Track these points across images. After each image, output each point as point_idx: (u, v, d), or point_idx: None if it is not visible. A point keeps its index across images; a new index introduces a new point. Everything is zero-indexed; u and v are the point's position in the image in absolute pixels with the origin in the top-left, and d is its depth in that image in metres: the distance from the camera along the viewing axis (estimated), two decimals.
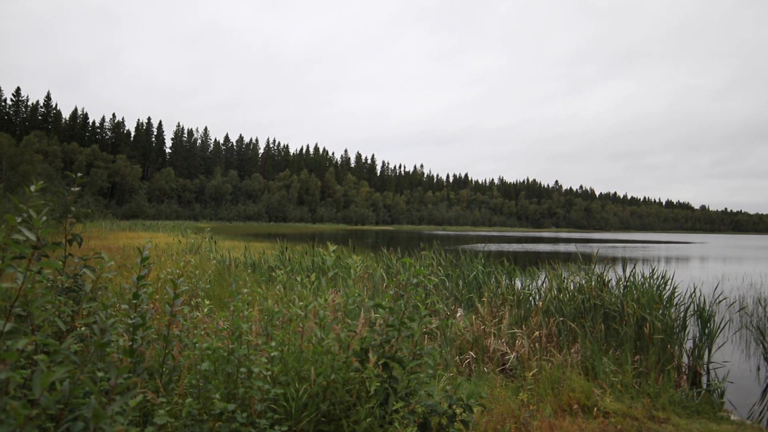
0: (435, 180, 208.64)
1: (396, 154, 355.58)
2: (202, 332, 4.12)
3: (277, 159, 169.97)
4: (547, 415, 5.61)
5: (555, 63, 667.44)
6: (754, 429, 5.73)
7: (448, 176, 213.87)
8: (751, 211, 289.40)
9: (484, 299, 9.24)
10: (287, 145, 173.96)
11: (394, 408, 3.35)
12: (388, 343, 3.70)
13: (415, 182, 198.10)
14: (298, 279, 4.21)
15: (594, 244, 61.40)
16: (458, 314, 9.60)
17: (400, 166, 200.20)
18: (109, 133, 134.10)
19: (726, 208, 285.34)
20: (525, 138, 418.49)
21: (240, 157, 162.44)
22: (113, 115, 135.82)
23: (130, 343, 3.14)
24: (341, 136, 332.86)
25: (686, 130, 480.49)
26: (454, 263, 13.22)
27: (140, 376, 3.22)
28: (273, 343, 3.49)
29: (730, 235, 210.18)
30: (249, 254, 17.55)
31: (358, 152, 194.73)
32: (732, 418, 6.24)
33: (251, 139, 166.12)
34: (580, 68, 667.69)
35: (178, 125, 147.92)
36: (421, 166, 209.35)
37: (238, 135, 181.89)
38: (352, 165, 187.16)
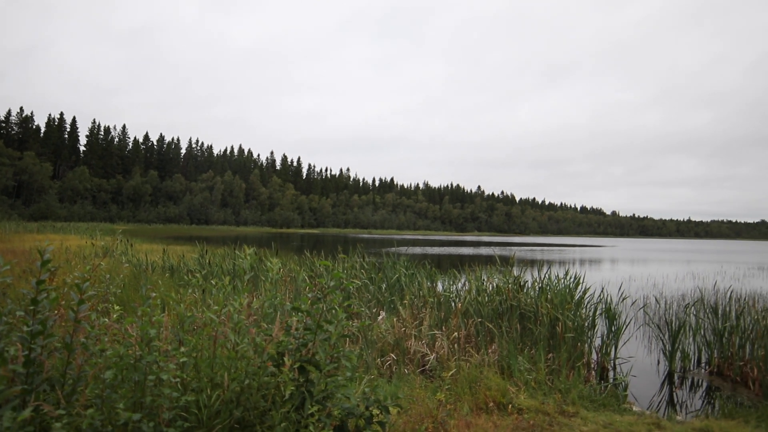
0: (361, 184, 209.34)
1: (329, 159, 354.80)
2: (110, 339, 3.92)
3: (200, 160, 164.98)
4: (465, 413, 5.74)
5: (489, 75, 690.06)
6: (652, 418, 6.10)
7: (374, 180, 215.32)
8: (656, 217, 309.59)
9: (405, 302, 9.34)
10: (211, 146, 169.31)
11: (309, 412, 3.32)
12: (305, 347, 3.67)
13: (341, 186, 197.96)
14: (213, 282, 4.09)
15: (513, 248, 63.54)
16: (380, 317, 9.65)
17: (326, 170, 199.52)
18: (15, 128, 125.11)
19: (634, 214, 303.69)
20: (456, 145, 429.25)
21: (161, 157, 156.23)
22: (20, 108, 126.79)
23: (26, 352, 2.94)
24: (275, 139, 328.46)
25: (605, 141, 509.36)
26: (378, 266, 13.29)
27: (39, 388, 3.03)
28: (183, 349, 3.37)
29: (637, 239, 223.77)
30: (168, 258, 16.91)
31: (284, 154, 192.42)
32: (634, 409, 6.62)
33: (173, 139, 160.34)
34: (512, 81, 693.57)
35: (94, 122, 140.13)
36: (348, 169, 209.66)
37: (159, 134, 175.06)
38: (278, 167, 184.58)
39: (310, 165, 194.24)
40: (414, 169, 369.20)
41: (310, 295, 3.80)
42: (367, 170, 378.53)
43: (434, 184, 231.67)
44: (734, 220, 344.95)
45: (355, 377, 6.25)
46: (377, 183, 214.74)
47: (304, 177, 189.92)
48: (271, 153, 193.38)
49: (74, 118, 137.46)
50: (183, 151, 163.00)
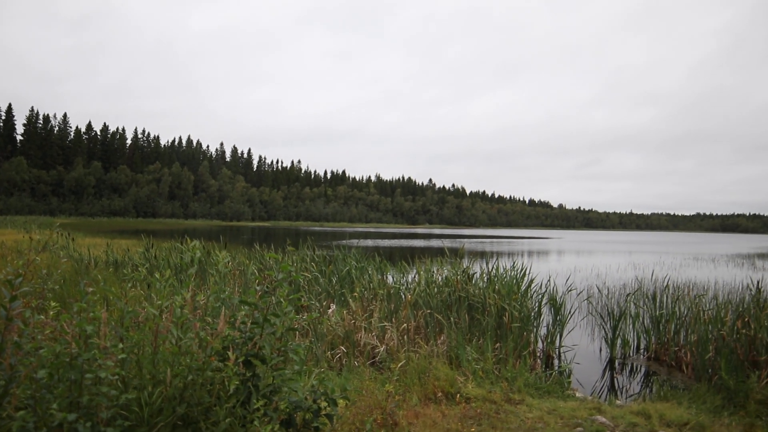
0: (313, 176, 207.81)
1: (284, 151, 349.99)
2: (46, 337, 3.76)
3: (147, 151, 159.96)
4: (414, 404, 5.80)
5: (447, 70, 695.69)
6: (594, 403, 6.32)
7: (326, 172, 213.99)
8: (601, 210, 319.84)
9: (355, 294, 9.35)
10: (158, 136, 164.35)
11: (255, 406, 3.28)
12: (251, 341, 3.62)
13: (292, 178, 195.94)
14: (157, 276, 3.98)
15: (464, 240, 64.47)
16: (330, 310, 9.63)
17: (277, 162, 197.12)
18: None
19: (580, 207, 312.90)
20: (411, 139, 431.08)
21: (105, 147, 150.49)
22: None
23: None
24: (230, 130, 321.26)
25: (555, 136, 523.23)
26: (328, 259, 13.24)
27: None
28: (121, 345, 3.27)
29: (582, 231, 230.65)
30: (111, 252, 16.37)
31: (234, 146, 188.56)
32: (577, 395, 6.84)
33: (117, 129, 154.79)
34: (469, 76, 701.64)
35: (32, 110, 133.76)
36: (299, 161, 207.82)
37: (102, 123, 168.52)
38: (228, 159, 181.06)
39: (261, 157, 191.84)
40: (369, 162, 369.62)
41: (257, 288, 3.75)
42: (322, 163, 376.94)
43: (387, 176, 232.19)
44: (672, 213, 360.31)
45: (303, 371, 6.22)
46: (329, 175, 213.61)
47: (254, 169, 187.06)
48: (221, 144, 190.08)
49: (9, 105, 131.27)
50: (129, 141, 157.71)
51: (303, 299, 10.43)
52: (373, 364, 7.38)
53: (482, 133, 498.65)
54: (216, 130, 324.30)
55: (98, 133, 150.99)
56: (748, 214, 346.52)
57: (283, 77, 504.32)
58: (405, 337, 7.73)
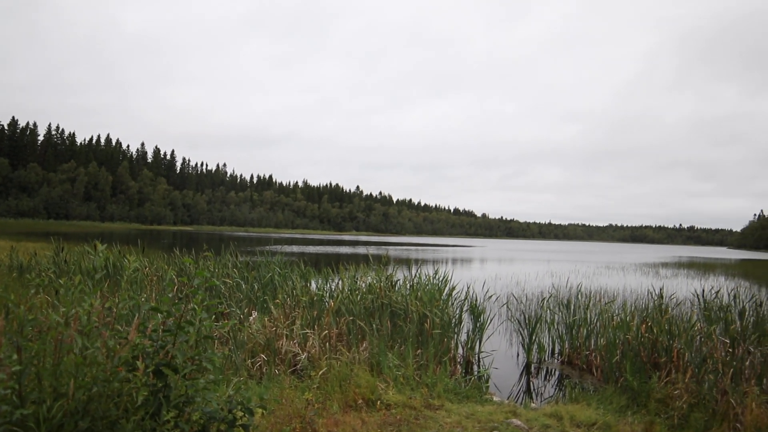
0: (239, 180, 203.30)
1: (214, 154, 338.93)
2: None
3: (61, 148, 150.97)
4: (334, 411, 5.76)
5: (383, 81, 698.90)
6: (510, 406, 6.52)
7: (252, 177, 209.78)
8: (522, 220, 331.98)
9: (278, 301, 9.22)
10: (73, 134, 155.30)
11: (165, 418, 3.15)
12: (163, 349, 3.48)
13: (217, 181, 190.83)
14: (62, 282, 3.76)
15: (390, 247, 64.98)
16: (252, 317, 9.43)
17: (202, 164, 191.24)
18: None
19: (502, 217, 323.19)
20: (344, 146, 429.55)
21: (12, 143, 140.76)
22: None
23: None
24: (159, 130, 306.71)
25: (484, 148, 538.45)
26: (251, 265, 12.98)
27: None
28: (15, 357, 3.05)
29: (504, 240, 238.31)
30: (16, 256, 15.34)
31: (156, 146, 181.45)
32: (494, 399, 7.02)
33: (27, 124, 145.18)
34: (405, 88, 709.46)
35: None
36: (224, 165, 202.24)
37: (10, 118, 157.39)
38: (150, 160, 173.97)
39: (185, 159, 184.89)
40: (303, 168, 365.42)
41: (171, 295, 3.61)
42: (254, 167, 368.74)
43: (315, 183, 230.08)
44: (588, 224, 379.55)
45: (219, 380, 6.05)
46: (255, 180, 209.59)
47: (178, 171, 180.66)
48: (142, 144, 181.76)
49: None
50: (41, 138, 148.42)
51: (223, 306, 10.17)
52: (294, 372, 7.29)
53: (414, 144, 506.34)
54: (143, 131, 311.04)
55: (5, 127, 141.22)
56: (654, 226, 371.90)
57: (219, 80, 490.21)
58: (327, 344, 7.69)
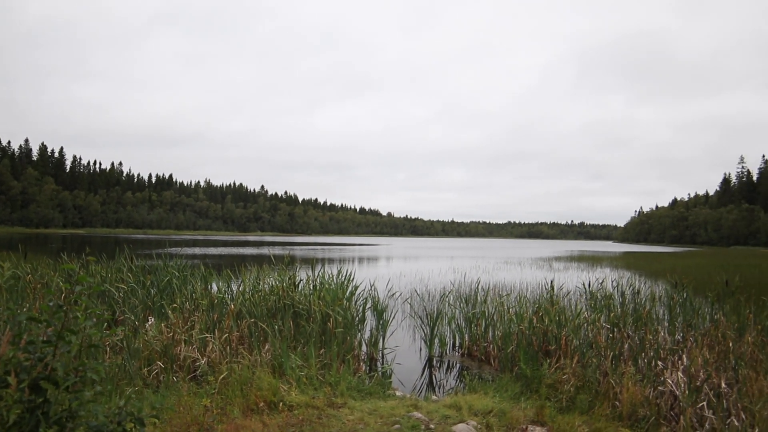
0: (136, 180, 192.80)
1: (113, 152, 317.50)
2: None
3: None
4: (234, 416, 5.64)
5: (298, 81, 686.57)
6: (411, 400, 6.68)
7: (150, 176, 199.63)
8: (426, 218, 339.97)
9: (175, 306, 8.87)
10: None
11: None
12: (41, 362, 3.25)
13: (112, 181, 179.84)
14: None
15: (296, 247, 64.38)
16: (149, 323, 9.01)
17: (95, 163, 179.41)
18: None
19: (407, 215, 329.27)
20: (256, 145, 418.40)
21: None
22: None
23: None
24: (51, 127, 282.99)
25: (393, 149, 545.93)
26: (147, 269, 12.38)
27: None
28: None
29: (409, 238, 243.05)
30: None
31: (42, 143, 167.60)
32: (397, 394, 7.16)
33: None
34: (318, 89, 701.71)
35: None
36: (120, 163, 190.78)
37: None
38: (35, 158, 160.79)
39: (75, 157, 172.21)
40: (208, 168, 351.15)
41: (51, 303, 3.38)
42: (156, 167, 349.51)
43: (218, 182, 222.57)
44: (488, 221, 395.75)
45: (107, 391, 5.76)
46: (154, 180, 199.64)
47: (68, 170, 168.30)
48: (26, 141, 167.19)
49: None
50: None
51: (117, 313, 9.66)
52: (194, 378, 7.05)
53: (325, 144, 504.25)
54: (31, 127, 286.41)
55: None
56: (549, 223, 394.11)
57: (124, 76, 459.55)
58: (228, 348, 7.50)
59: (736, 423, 5.36)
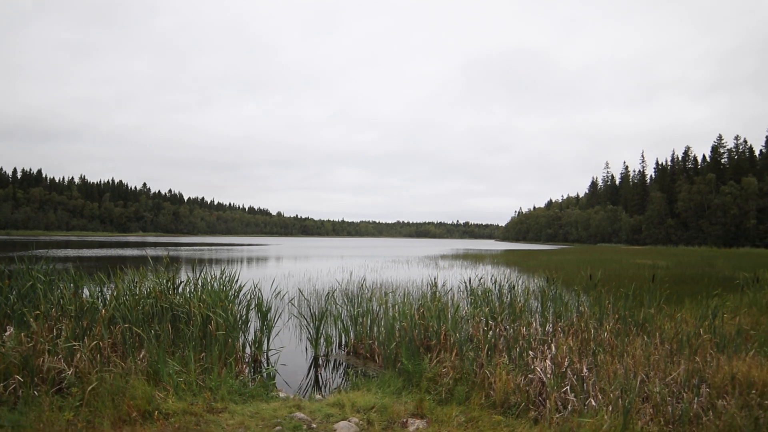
0: None
1: None
2: None
3: None
4: (104, 429, 5.32)
5: (193, 79, 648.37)
6: (295, 401, 6.66)
7: (15, 171, 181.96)
8: (317, 218, 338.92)
9: (38, 313, 8.18)
10: None
11: None
12: None
13: None
14: None
15: (181, 248, 61.73)
16: (7, 333, 8.23)
17: None
18: None
19: (297, 215, 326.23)
20: (144, 142, 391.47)
21: None
22: None
23: None
24: None
25: (290, 149, 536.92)
26: (7, 273, 11.29)
27: None
28: None
29: (299, 237, 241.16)
30: None
31: None
32: (281, 395, 7.10)
33: None
34: (215, 88, 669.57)
35: None
36: None
37: None
38: None
39: None
40: (88, 164, 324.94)
41: None
42: (26, 162, 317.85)
43: (95, 179, 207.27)
44: (378, 221, 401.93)
45: None
46: (19, 175, 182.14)
47: None
48: None
49: None
50: None
51: None
52: (59, 391, 6.53)
53: (218, 142, 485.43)
54: None
55: None
56: (436, 222, 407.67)
57: None
58: (98, 356, 7.03)
59: (594, 403, 5.86)
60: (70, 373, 6.62)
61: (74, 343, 7.09)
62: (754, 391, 5.87)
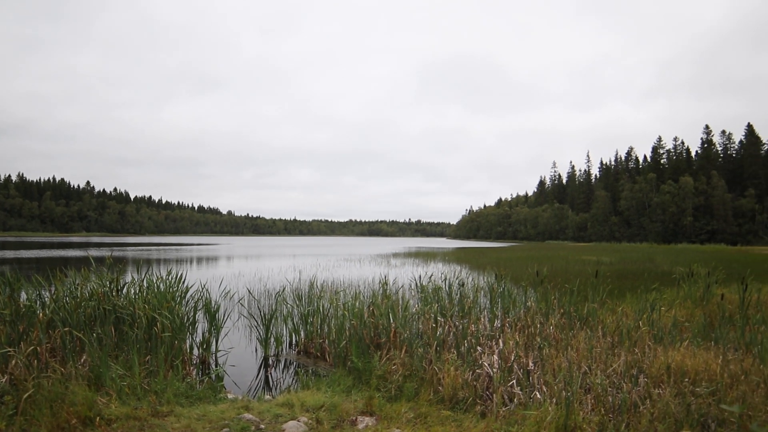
0: None
1: None
2: None
3: None
4: None
5: (146, 75, 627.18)
6: (243, 402, 6.57)
7: None
8: (268, 216, 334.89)
9: None
10: None
11: None
12: None
13: None
14: None
15: (127, 248, 59.94)
16: None
17: None
18: None
19: (248, 214, 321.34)
20: (90, 139, 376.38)
21: None
22: None
23: None
24: None
25: (243, 148, 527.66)
26: None
27: None
28: None
29: (251, 237, 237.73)
30: None
31: None
32: (229, 397, 6.98)
33: None
34: (167, 85, 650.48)
35: None
36: None
37: None
38: None
39: None
40: (31, 162, 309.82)
41: None
42: None
43: (34, 177, 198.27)
44: (330, 220, 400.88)
45: None
46: None
47: None
48: None
49: None
50: None
51: None
52: None
53: (170, 141, 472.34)
54: None
55: None
56: (388, 221, 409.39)
57: None
58: (36, 362, 6.76)
59: (539, 396, 6.02)
60: (4, 380, 6.35)
61: (9, 349, 6.79)
62: (687, 380, 6.17)
